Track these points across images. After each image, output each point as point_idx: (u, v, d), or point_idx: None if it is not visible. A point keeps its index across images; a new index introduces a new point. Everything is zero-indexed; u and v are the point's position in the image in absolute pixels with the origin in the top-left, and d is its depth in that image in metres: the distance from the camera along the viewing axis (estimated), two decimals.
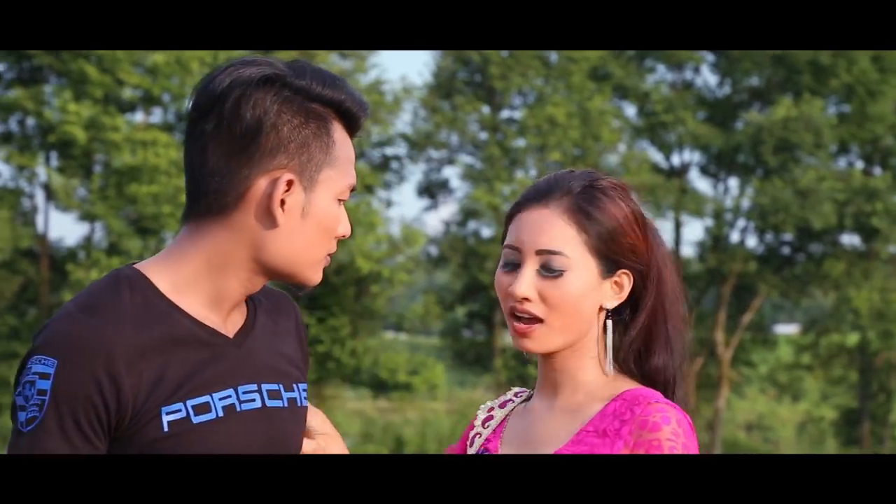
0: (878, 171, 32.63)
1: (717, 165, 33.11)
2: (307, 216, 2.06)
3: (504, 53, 29.83)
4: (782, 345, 36.46)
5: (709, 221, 32.80)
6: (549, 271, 2.28)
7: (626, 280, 2.32)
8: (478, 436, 2.42)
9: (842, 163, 33.14)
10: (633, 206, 2.37)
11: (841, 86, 31.37)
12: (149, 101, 29.18)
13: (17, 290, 28.87)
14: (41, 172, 28.84)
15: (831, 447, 34.83)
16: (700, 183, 57.80)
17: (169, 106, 30.02)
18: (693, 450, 2.23)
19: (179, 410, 1.98)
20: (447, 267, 31.88)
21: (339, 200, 2.10)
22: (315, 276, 2.11)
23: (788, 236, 32.32)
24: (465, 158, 31.46)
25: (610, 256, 2.30)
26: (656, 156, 33.18)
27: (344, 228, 2.11)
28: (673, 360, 2.35)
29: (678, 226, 33.44)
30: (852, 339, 33.42)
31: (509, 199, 30.07)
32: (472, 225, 31.47)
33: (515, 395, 2.48)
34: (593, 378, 2.32)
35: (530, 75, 30.33)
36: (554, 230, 2.30)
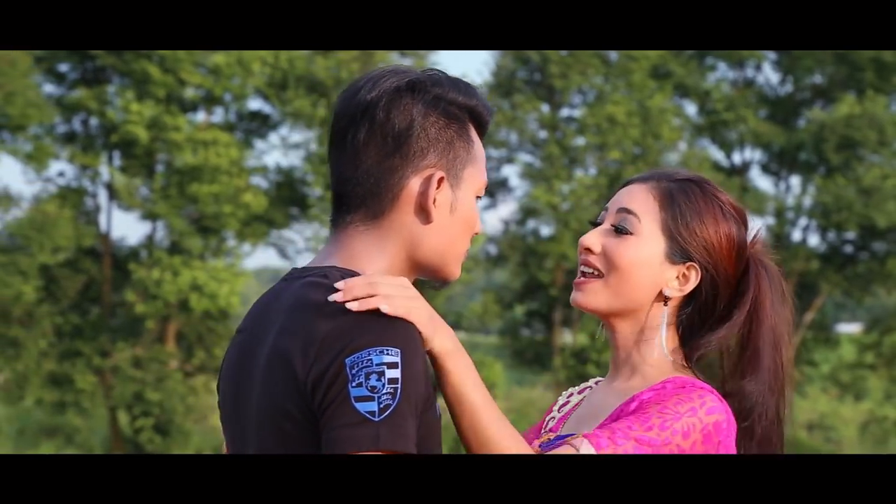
0: None
1: (779, 164, 32.88)
2: (455, 212, 2.20)
3: (563, 52, 29.76)
4: (845, 344, 36.12)
5: (770, 220, 32.57)
6: (619, 229, 2.38)
7: (693, 274, 2.37)
8: (552, 419, 2.52)
9: None
10: (732, 221, 2.42)
11: None
12: (210, 101, 29.39)
13: (80, 288, 29.16)
14: (104, 172, 29.13)
15: (895, 447, 34.47)
16: (761, 181, 57.61)
17: (230, 106, 30.22)
18: (696, 421, 2.24)
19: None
20: (506, 266, 31.87)
21: (477, 197, 2.24)
22: (457, 271, 2.24)
23: (851, 234, 32.03)
24: (525, 157, 31.46)
25: (679, 241, 2.37)
26: (717, 154, 33.02)
27: (479, 225, 2.26)
28: (762, 387, 2.39)
29: None
30: None
31: (568, 199, 30.03)
32: (531, 224, 31.45)
33: (596, 382, 2.56)
34: (652, 365, 2.38)
35: (590, 74, 30.24)
36: (638, 197, 2.40)
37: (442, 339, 2.11)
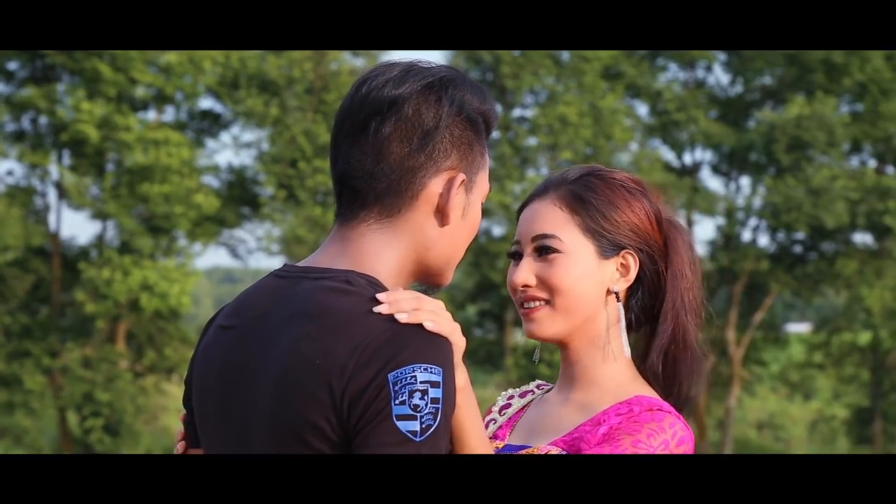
0: (890, 169, 32.57)
1: (729, 164, 33.07)
2: (466, 216, 2.17)
3: (516, 53, 29.81)
4: (794, 343, 36.39)
5: (720, 220, 32.76)
6: (543, 253, 2.34)
7: (631, 261, 2.35)
8: (492, 422, 2.47)
9: (854, 161, 33.09)
10: (640, 195, 2.39)
11: (854, 84, 31.31)
12: (161, 99, 29.22)
13: (29, 288, 28.92)
14: (53, 171, 28.90)
15: (843, 446, 34.77)
16: (712, 182, 57.86)
17: (181, 105, 30.06)
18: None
19: None
20: (458, 265, 31.87)
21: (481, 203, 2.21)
22: (450, 277, 2.21)
23: (800, 235, 32.28)
24: None
25: (606, 235, 2.34)
26: (668, 154, 33.18)
27: (476, 231, 2.22)
28: (689, 366, 2.38)
29: (690, 225, 33.38)
30: (864, 337, 33.36)
31: (520, 198, 30.05)
32: (483, 223, 31.48)
33: (538, 386, 2.52)
34: (610, 374, 2.34)
35: (542, 74, 30.31)
36: (546, 216, 2.36)
37: (461, 373, 2.08)
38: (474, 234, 2.19)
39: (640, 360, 2.37)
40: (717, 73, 33.94)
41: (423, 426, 1.94)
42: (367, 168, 2.11)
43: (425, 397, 1.95)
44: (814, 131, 30.21)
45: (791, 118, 30.42)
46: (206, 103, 34.88)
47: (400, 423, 1.94)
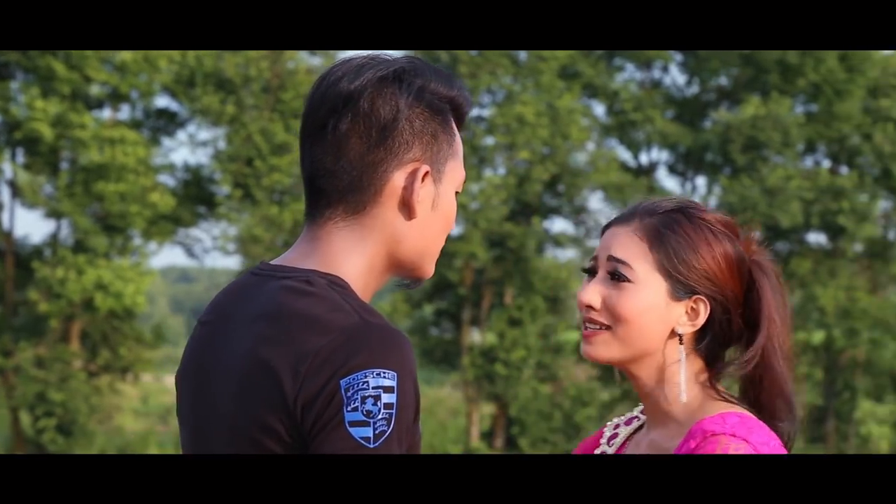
0: (844, 169, 32.82)
1: (685, 164, 33.25)
2: (436, 208, 2.12)
3: (473, 52, 29.84)
4: None
5: None
6: (615, 278, 2.31)
7: (702, 307, 2.31)
8: (601, 452, 2.46)
9: (809, 161, 33.34)
10: (725, 240, 2.35)
11: (808, 85, 31.54)
12: (116, 98, 29.06)
13: None
14: (7, 169, 28.69)
15: (796, 445, 34.92)
16: (668, 181, 58.07)
17: (137, 103, 29.91)
18: None
19: None
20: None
21: (456, 192, 2.16)
22: (432, 269, 2.17)
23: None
24: None
25: (680, 279, 2.30)
26: (624, 154, 33.32)
27: (454, 221, 2.18)
28: (790, 414, 2.37)
29: None
30: (818, 336, 33.60)
31: (477, 198, 30.11)
32: None
33: (642, 412, 2.48)
34: (679, 408, 2.32)
35: (499, 74, 30.36)
36: (625, 243, 2.33)
37: None
38: (451, 224, 2.15)
39: (710, 385, 2.35)
40: (674, 74, 34.20)
41: (377, 432, 1.92)
42: (328, 167, 2.09)
43: (378, 403, 1.92)
44: (769, 131, 30.41)
45: (746, 118, 30.61)
46: (162, 101, 34.77)
47: (353, 430, 1.91)
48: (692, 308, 2.31)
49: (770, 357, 2.34)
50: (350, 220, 2.09)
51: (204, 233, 32.00)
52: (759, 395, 2.35)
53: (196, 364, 2.11)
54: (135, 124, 29.73)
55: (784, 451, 2.26)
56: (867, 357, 33.36)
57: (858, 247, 32.89)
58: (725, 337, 2.34)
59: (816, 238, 32.95)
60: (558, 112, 30.00)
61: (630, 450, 2.42)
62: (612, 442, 2.47)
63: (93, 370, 29.22)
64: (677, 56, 32.77)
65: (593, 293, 2.32)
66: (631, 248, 2.31)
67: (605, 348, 2.31)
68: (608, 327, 2.31)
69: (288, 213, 28.55)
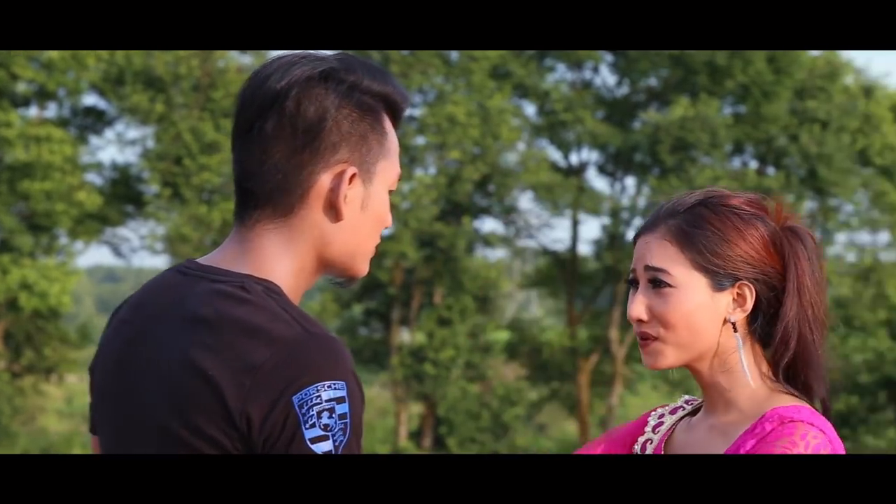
0: (771, 170, 33.18)
1: (615, 164, 33.45)
2: (366, 208, 2.10)
3: (405, 52, 29.83)
4: None
5: (606, 220, 33.12)
6: (656, 286, 2.33)
7: (747, 291, 2.32)
8: (649, 442, 2.46)
9: (736, 162, 33.67)
10: (754, 220, 2.36)
11: (736, 86, 31.85)
12: (43, 95, 28.74)
13: None
14: None
15: None
16: (598, 181, 58.57)
17: (64, 101, 29.59)
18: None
19: None
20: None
21: (389, 191, 2.15)
22: (365, 268, 2.15)
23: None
24: None
25: (718, 271, 2.31)
26: (555, 154, 33.46)
27: (389, 219, 2.16)
28: (821, 382, 2.34)
29: (575, 224, 33.71)
30: None
31: (408, 198, 30.10)
32: None
33: (686, 402, 2.50)
34: (745, 395, 2.33)
35: (431, 74, 30.37)
36: (657, 250, 2.34)
37: None
38: (383, 223, 2.13)
39: (773, 377, 2.35)
40: (604, 74, 34.35)
41: (336, 444, 1.92)
42: (254, 169, 2.07)
43: (333, 416, 1.92)
44: (697, 132, 30.67)
45: (675, 119, 30.85)
46: (90, 100, 34.43)
47: (314, 447, 1.91)
48: (738, 294, 2.32)
49: (802, 327, 2.33)
50: (278, 222, 2.07)
51: (131, 232, 31.72)
52: (793, 369, 2.34)
53: (118, 365, 2.06)
54: (62, 122, 29.41)
55: (841, 450, 2.25)
56: None
57: None
58: (776, 312, 2.34)
59: None
60: (489, 112, 30.06)
61: (679, 436, 2.43)
62: (657, 429, 2.48)
63: (16, 371, 28.88)
64: (607, 57, 32.96)
65: (639, 306, 2.33)
66: (664, 254, 2.33)
67: (664, 357, 2.33)
68: (661, 336, 2.33)
69: (217, 213, 28.38)
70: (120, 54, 28.37)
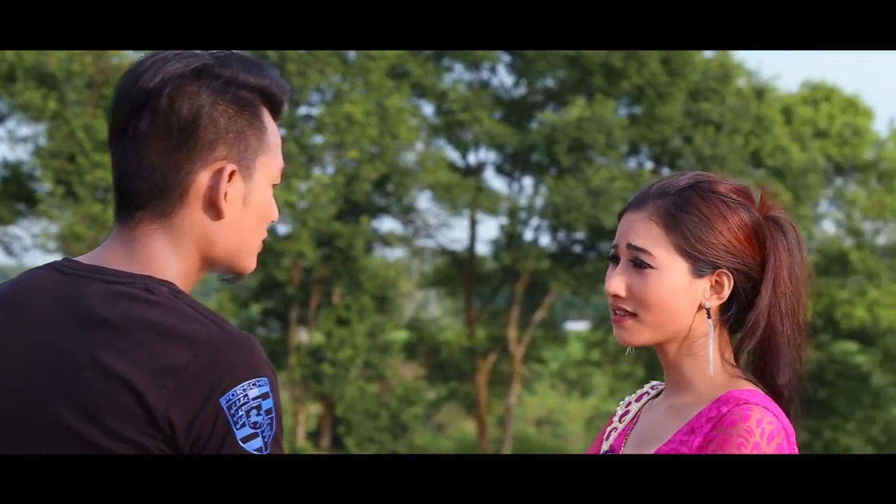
0: (666, 171, 33.53)
1: (512, 164, 33.61)
2: (248, 205, 2.08)
3: (301, 51, 29.70)
4: (572, 341, 37.21)
5: (503, 220, 33.27)
6: (637, 265, 2.34)
7: (725, 280, 2.34)
8: (614, 430, 2.48)
9: (632, 163, 34.00)
10: (740, 209, 2.36)
11: (631, 88, 32.17)
12: None
13: None
14: None
15: None
16: (495, 181, 58.83)
17: None
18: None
19: None
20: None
21: (273, 185, 2.12)
22: (252, 264, 2.14)
23: (580, 235, 33.01)
24: None
25: (700, 257, 2.33)
26: (453, 154, 33.53)
27: (275, 213, 2.14)
28: (789, 375, 2.36)
29: (473, 224, 33.82)
30: None
31: (306, 197, 29.99)
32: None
33: (651, 387, 2.51)
34: (706, 379, 2.35)
35: (328, 73, 30.28)
36: (641, 229, 2.35)
37: None
38: (268, 218, 2.12)
39: (734, 363, 2.36)
40: (501, 75, 34.49)
41: (266, 440, 1.95)
42: (131, 169, 2.04)
43: (261, 412, 1.95)
44: (593, 133, 30.93)
45: (572, 120, 31.08)
46: None
47: (246, 445, 1.93)
48: (716, 281, 2.34)
49: (773, 317, 2.36)
50: (161, 222, 2.05)
51: (23, 230, 31.21)
52: (758, 358, 2.36)
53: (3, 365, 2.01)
54: None
55: (794, 449, 2.27)
56: None
57: None
58: (750, 303, 2.36)
59: None
60: (387, 111, 30.05)
61: (643, 418, 2.45)
62: (623, 418, 2.50)
63: None
64: (504, 57, 33.10)
65: (618, 282, 2.36)
66: (648, 235, 2.34)
67: (637, 334, 2.35)
68: (635, 314, 2.35)
69: (112, 211, 28.03)
70: (10, 56, 27.91)
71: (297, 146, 30.01)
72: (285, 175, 25.44)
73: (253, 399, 1.94)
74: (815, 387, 34.89)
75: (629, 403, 2.53)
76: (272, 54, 29.90)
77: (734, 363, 2.36)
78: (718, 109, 32.43)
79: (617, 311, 2.38)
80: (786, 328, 2.36)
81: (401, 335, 34.64)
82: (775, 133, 34.13)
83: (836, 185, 36.89)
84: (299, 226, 29.72)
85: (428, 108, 33.21)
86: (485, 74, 33.82)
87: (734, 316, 2.36)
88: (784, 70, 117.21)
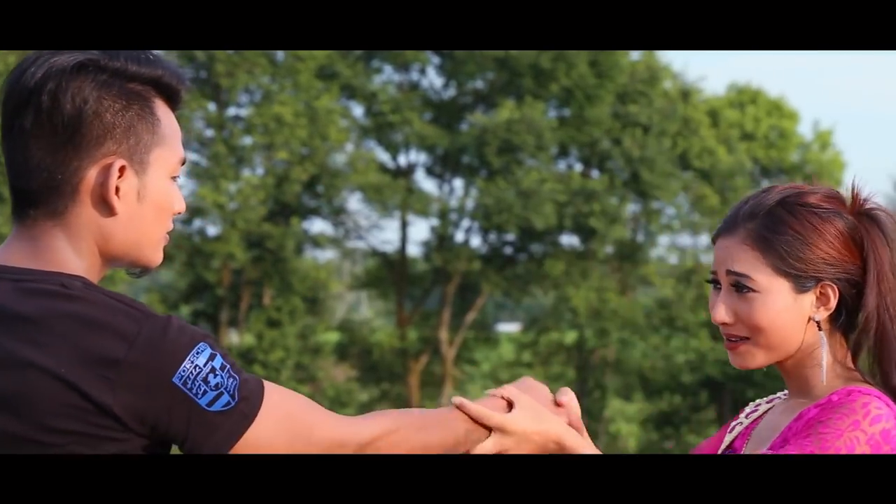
0: (595, 173, 33.74)
1: (443, 166, 33.65)
2: (143, 199, 2.04)
3: (230, 51, 29.54)
4: (504, 343, 37.30)
5: (434, 221, 33.29)
6: (740, 290, 2.33)
7: (830, 292, 2.32)
8: (739, 424, 2.47)
9: (562, 165, 34.16)
10: (833, 217, 2.34)
11: (560, 90, 32.31)
12: None
13: None
14: None
15: None
16: (426, 183, 58.65)
17: None
18: (864, 435, 2.19)
19: None
20: (171, 265, 31.39)
21: (172, 178, 2.09)
22: (157, 257, 2.11)
23: (511, 236, 33.10)
24: (191, 156, 31.04)
25: (801, 274, 2.31)
26: (383, 155, 33.51)
27: (179, 205, 2.10)
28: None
29: (404, 225, 33.82)
30: (570, 336, 34.47)
31: (235, 198, 29.84)
32: (197, 223, 31.08)
33: (784, 394, 2.49)
34: (822, 384, 2.33)
35: (257, 73, 30.15)
36: (738, 255, 2.34)
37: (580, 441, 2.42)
38: (170, 210, 2.08)
39: (851, 366, 2.35)
40: (431, 76, 34.56)
41: (231, 390, 1.96)
42: (21, 168, 2.01)
43: (217, 373, 1.96)
44: (523, 135, 31.04)
45: (502, 122, 31.17)
46: None
47: (213, 408, 1.95)
48: (821, 293, 2.32)
49: (882, 315, 2.34)
50: (56, 220, 2.02)
51: None
52: (876, 361, 2.34)
53: None
54: None
55: None
56: (617, 357, 34.40)
57: (609, 249, 33.85)
58: (859, 305, 2.35)
59: (569, 240, 33.79)
60: (317, 112, 29.97)
61: (766, 418, 2.44)
62: (749, 415, 2.50)
63: None
64: (434, 59, 33.13)
65: (724, 310, 2.34)
66: (745, 260, 2.33)
67: (753, 358, 2.35)
68: (747, 338, 2.34)
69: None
70: None
71: (226, 147, 29.85)
72: (214, 176, 24.92)
73: (204, 366, 1.95)
74: (743, 388, 35.31)
75: (759, 404, 2.53)
76: (200, 54, 29.73)
77: (852, 366, 2.35)
78: (646, 111, 32.66)
79: (730, 339, 2.36)
80: (895, 325, 2.35)
81: (332, 337, 34.56)
82: (702, 135, 34.43)
83: (763, 187, 37.23)
84: (229, 227, 29.56)
85: (358, 110, 33.19)
86: (414, 76, 33.85)
87: (846, 320, 2.35)
88: (709, 72, 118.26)
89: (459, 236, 33.50)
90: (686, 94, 35.25)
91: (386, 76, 33.63)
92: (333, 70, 31.52)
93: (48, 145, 1.99)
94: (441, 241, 33.28)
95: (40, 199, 2.01)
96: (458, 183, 33.88)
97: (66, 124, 1.99)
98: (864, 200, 2.38)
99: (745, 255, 2.33)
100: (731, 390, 35.25)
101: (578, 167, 34.23)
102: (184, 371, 1.93)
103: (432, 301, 35.07)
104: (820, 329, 2.34)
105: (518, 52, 31.05)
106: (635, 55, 33.44)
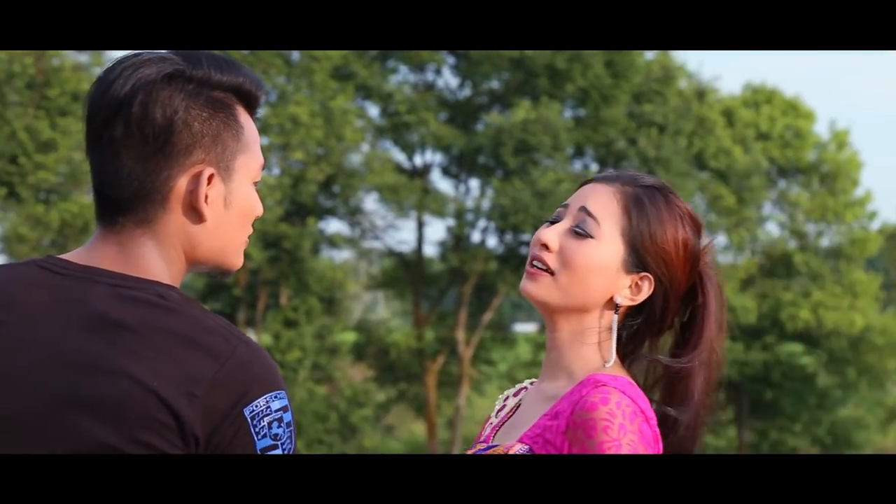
0: None
1: (459, 166, 33.64)
2: (230, 206, 2.08)
3: (245, 51, 29.59)
4: (521, 343, 37.28)
5: (450, 221, 33.29)
6: (579, 231, 2.33)
7: (646, 285, 2.34)
8: (489, 426, 2.47)
9: (577, 165, 34.12)
10: (692, 232, 2.39)
11: (576, 90, 32.29)
12: None
13: None
14: None
15: None
16: (442, 183, 58.71)
17: None
18: (635, 436, 2.18)
19: None
20: None
21: (254, 183, 2.13)
22: (239, 261, 2.14)
23: (527, 236, 33.07)
24: None
25: (639, 250, 2.33)
26: (399, 156, 33.52)
27: (260, 209, 2.14)
28: (690, 417, 2.37)
29: (420, 225, 33.83)
30: None
31: None
32: None
33: (531, 383, 2.49)
34: (583, 365, 2.33)
35: (272, 74, 30.18)
36: (602, 200, 2.36)
37: None
38: (251, 215, 2.12)
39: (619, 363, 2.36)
40: (447, 77, 34.51)
41: (285, 451, 1.98)
42: (110, 177, 2.04)
43: (282, 425, 1.98)
44: (539, 135, 31.01)
45: (517, 122, 31.15)
46: None
47: (269, 455, 1.97)
48: (637, 283, 2.34)
49: (710, 357, 2.38)
50: (145, 227, 2.05)
51: None
52: (669, 392, 2.37)
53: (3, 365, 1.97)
54: None
55: (656, 432, 2.26)
56: None
57: None
58: (656, 324, 2.38)
59: None
60: (332, 113, 30.00)
61: (515, 416, 2.43)
62: (498, 413, 2.49)
63: None
64: (449, 59, 33.14)
65: (553, 236, 2.35)
66: (605, 206, 2.35)
67: (546, 290, 2.34)
68: (553, 273, 2.33)
69: (55, 213, 27.81)
70: None
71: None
72: None
73: (275, 411, 1.97)
74: (761, 388, 35.22)
75: (507, 398, 2.52)
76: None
77: (617, 361, 2.35)
78: (661, 111, 32.62)
79: (535, 264, 2.37)
80: (707, 374, 2.39)
81: (349, 337, 34.59)
82: (718, 135, 34.37)
83: (780, 187, 37.18)
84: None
85: (373, 110, 33.21)
86: (430, 76, 33.85)
87: (637, 327, 2.37)
88: (725, 71, 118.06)
89: (476, 236, 33.51)
90: (701, 93, 35.20)
91: (401, 76, 33.65)
92: (349, 70, 31.55)
93: (139, 155, 2.02)
94: (457, 242, 33.27)
95: (130, 207, 2.04)
96: (474, 183, 33.90)
97: (156, 134, 2.02)
98: (710, 261, 2.43)
99: (609, 204, 2.35)
100: (748, 391, 35.19)
101: (594, 167, 34.19)
102: (257, 406, 1.96)
103: (449, 301, 35.07)
104: (616, 313, 2.34)
105: (533, 53, 31.04)
106: (650, 55, 33.40)
